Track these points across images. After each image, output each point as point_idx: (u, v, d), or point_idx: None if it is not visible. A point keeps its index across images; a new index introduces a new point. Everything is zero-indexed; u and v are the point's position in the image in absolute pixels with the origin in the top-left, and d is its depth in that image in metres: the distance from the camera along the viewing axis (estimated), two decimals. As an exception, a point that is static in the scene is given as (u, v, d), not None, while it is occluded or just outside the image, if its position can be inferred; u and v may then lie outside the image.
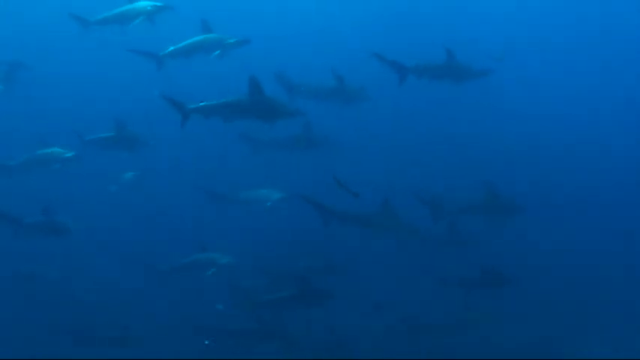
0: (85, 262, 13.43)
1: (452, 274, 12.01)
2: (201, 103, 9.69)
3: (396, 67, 11.66)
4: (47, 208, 10.86)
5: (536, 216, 12.83)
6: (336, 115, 13.79)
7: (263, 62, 13.35)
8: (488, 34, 18.94)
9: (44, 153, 12.68)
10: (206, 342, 11.77)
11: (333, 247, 12.36)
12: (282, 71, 13.22)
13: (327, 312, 11.19)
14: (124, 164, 14.48)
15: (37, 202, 11.40)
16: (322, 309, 11.02)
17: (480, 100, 15.65)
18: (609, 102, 19.69)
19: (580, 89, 19.68)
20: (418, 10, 20.18)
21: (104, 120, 12.72)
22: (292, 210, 12.44)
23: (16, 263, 13.02)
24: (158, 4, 12.17)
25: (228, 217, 13.96)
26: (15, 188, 13.34)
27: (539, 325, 12.55)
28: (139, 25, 12.07)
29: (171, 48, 11.98)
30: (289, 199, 13.23)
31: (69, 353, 11.01)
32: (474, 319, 12.11)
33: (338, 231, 10.59)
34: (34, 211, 11.18)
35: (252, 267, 12.53)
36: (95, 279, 13.20)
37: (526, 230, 13.00)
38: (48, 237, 11.04)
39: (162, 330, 11.70)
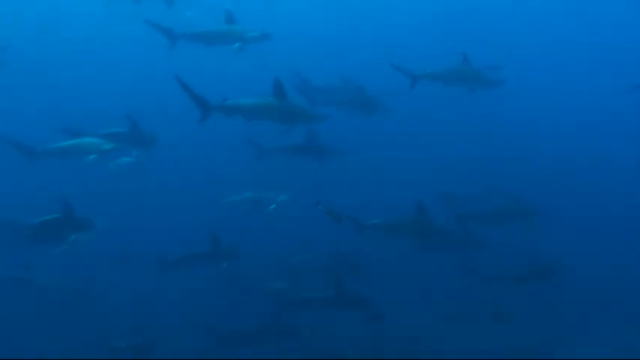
0: (88, 263, 13.08)
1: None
2: (227, 101, 9.52)
3: (409, 75, 11.88)
4: (67, 205, 9.77)
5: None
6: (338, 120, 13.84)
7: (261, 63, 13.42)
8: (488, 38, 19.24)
9: (80, 143, 11.40)
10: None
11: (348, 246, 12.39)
12: (303, 78, 13.18)
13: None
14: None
15: (36, 200, 11.05)
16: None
17: (484, 103, 15.86)
18: (619, 104, 20.17)
19: (582, 90, 20.09)
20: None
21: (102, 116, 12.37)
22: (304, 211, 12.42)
23: (13, 267, 12.53)
24: None
25: (235, 217, 13.86)
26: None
27: (539, 326, 12.77)
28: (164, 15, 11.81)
29: (189, 30, 11.66)
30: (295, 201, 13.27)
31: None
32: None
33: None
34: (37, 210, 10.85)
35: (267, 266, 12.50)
36: (101, 280, 12.95)
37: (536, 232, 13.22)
38: (70, 236, 9.94)
39: (175, 331, 11.55)
